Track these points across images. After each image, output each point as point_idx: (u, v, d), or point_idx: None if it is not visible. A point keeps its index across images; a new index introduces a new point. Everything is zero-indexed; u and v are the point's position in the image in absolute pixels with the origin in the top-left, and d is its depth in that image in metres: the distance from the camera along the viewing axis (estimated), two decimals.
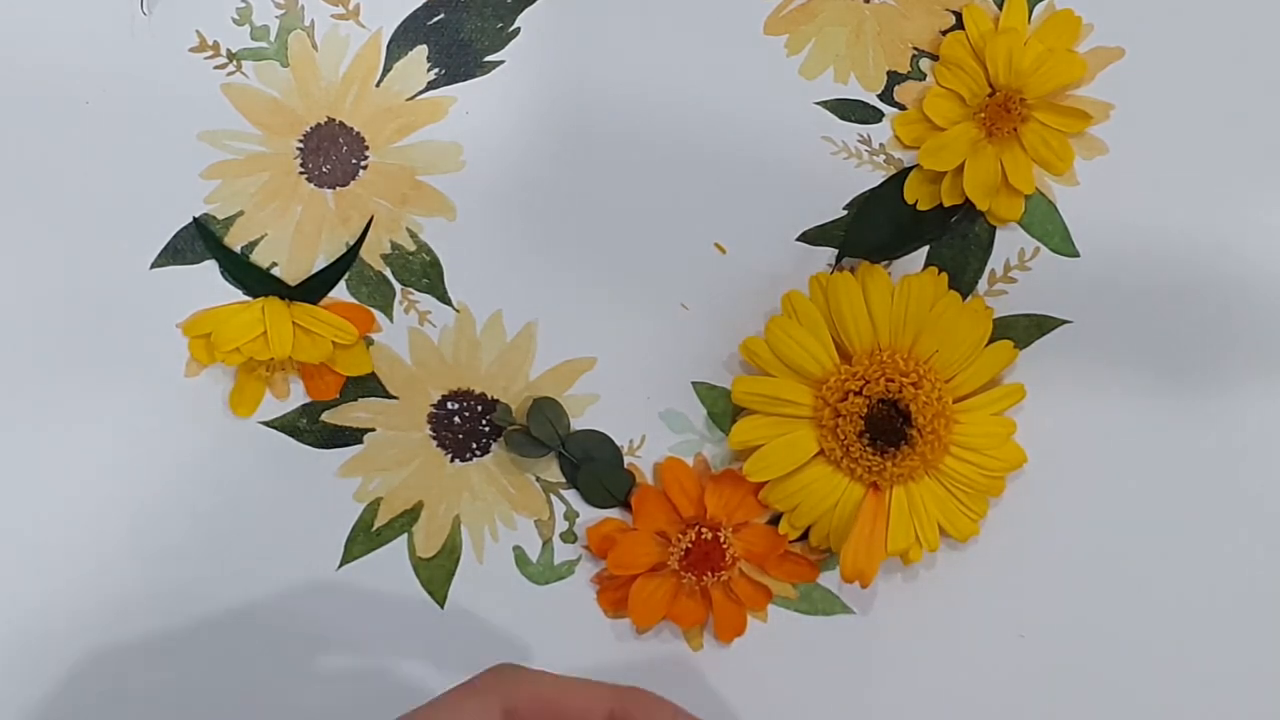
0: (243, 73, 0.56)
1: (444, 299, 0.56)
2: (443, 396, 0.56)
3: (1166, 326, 0.55)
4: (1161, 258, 0.55)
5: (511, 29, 0.56)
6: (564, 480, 0.56)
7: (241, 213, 0.56)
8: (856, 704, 0.55)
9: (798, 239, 0.55)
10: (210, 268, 0.56)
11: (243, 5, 0.56)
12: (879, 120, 0.56)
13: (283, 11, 0.56)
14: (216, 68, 0.56)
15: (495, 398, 0.56)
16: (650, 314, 0.56)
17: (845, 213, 0.56)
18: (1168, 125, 0.55)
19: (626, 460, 0.56)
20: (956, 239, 0.55)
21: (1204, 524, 0.55)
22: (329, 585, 0.55)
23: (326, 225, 0.56)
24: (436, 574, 0.56)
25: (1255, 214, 0.55)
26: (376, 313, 0.56)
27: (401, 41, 0.56)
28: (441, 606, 0.55)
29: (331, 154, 0.56)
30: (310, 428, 0.56)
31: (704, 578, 0.54)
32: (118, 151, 0.56)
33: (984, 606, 0.55)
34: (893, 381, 0.53)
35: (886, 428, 0.53)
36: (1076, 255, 0.55)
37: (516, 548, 0.56)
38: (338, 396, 0.56)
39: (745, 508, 0.54)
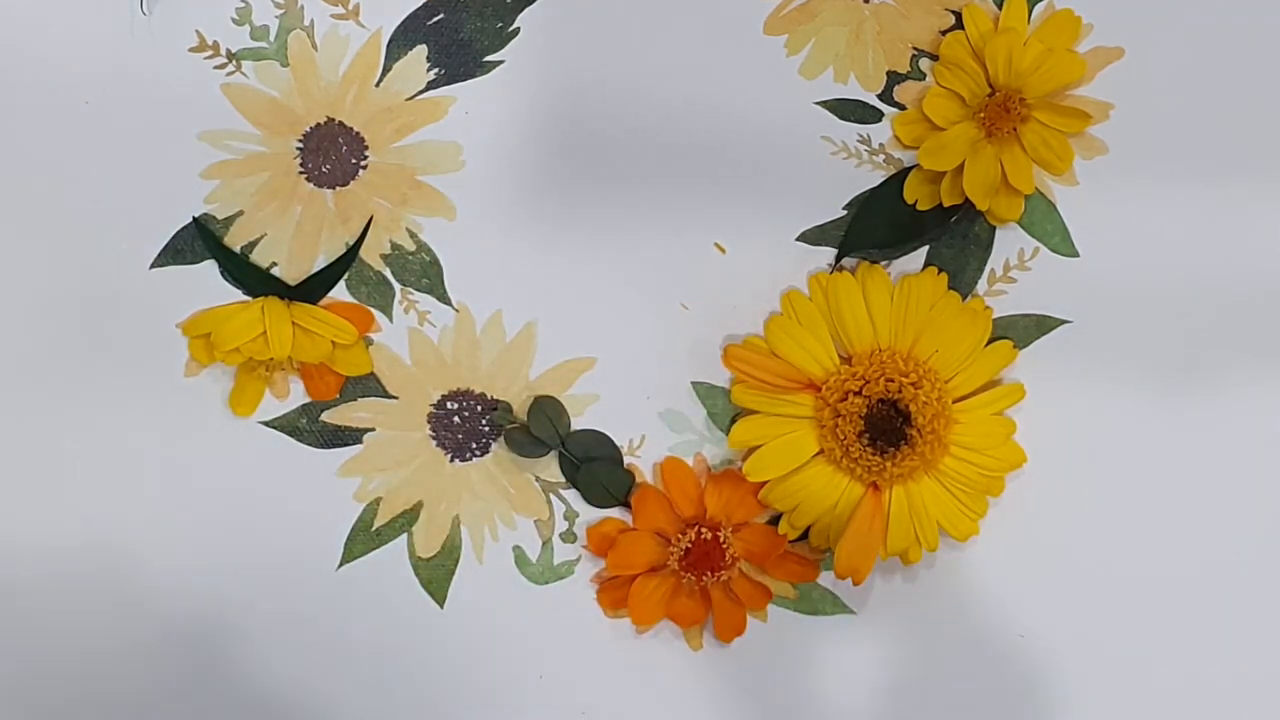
0: (242, 73, 0.56)
1: (444, 299, 0.56)
2: (442, 396, 0.56)
3: (1166, 326, 0.55)
4: (1161, 258, 0.55)
5: (511, 29, 0.56)
6: (564, 480, 0.56)
7: (241, 213, 0.56)
8: (856, 704, 0.55)
9: (798, 239, 0.55)
10: (210, 268, 0.56)
11: (242, 5, 0.56)
12: (879, 120, 0.56)
13: (282, 11, 0.56)
14: (216, 68, 0.56)
15: (495, 397, 0.56)
16: (650, 314, 0.56)
17: (845, 213, 0.55)
18: (1168, 125, 0.55)
19: (626, 460, 0.55)
20: (956, 239, 0.55)
21: (1204, 523, 0.55)
22: (329, 585, 0.55)
23: (326, 225, 0.56)
24: (436, 574, 0.55)
25: (1255, 214, 0.55)
26: (376, 313, 0.56)
27: (401, 41, 0.56)
28: (441, 606, 0.55)
29: (331, 154, 0.56)
30: (310, 428, 0.56)
31: (704, 577, 0.54)
32: (118, 151, 0.56)
33: (984, 606, 0.55)
34: (892, 381, 0.53)
35: (886, 428, 0.53)
36: (1076, 255, 0.55)
37: (516, 548, 0.56)
38: (338, 396, 0.56)
39: (745, 508, 0.54)
